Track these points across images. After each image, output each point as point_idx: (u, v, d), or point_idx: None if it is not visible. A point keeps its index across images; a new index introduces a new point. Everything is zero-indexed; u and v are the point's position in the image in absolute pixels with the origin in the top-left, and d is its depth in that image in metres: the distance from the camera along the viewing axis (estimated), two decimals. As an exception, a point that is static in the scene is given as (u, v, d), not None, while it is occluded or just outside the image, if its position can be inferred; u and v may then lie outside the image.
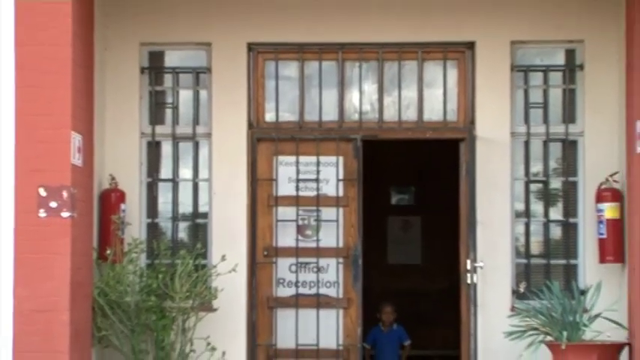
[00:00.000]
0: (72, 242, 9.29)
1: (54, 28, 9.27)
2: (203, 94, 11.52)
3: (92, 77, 10.16)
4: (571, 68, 11.39)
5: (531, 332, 10.14)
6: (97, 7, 10.33)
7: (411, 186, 17.33)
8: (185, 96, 11.60)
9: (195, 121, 11.51)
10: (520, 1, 11.18)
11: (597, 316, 10.05)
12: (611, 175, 10.77)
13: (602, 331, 10.02)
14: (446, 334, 12.74)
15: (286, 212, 11.41)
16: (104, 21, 10.80)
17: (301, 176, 11.40)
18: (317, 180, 11.40)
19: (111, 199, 10.93)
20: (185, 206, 11.56)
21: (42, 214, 9.20)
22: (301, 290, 11.38)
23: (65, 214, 9.22)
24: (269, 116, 11.50)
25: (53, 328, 9.16)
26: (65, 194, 9.21)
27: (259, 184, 11.34)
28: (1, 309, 9.20)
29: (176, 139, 11.53)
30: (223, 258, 10.89)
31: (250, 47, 11.38)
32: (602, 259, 10.83)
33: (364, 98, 11.56)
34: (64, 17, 9.27)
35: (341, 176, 11.36)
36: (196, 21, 11.31)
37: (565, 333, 9.88)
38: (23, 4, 9.23)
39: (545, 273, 11.26)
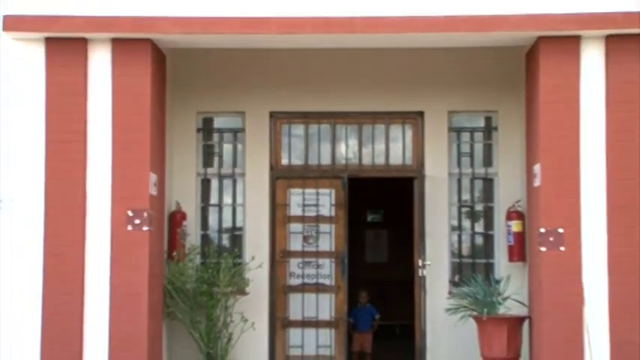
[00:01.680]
0: (149, 247, 9.31)
1: (139, 104, 9.33)
2: (239, 147, 11.44)
3: (164, 135, 10.16)
4: (489, 130, 11.34)
5: (462, 309, 10.08)
6: (168, 88, 10.33)
7: (381, 209, 17.26)
8: (227, 148, 11.52)
9: (234, 165, 11.44)
10: (454, 84, 11.11)
11: (507, 298, 9.99)
12: (516, 202, 10.71)
13: (510, 308, 9.97)
14: (404, 310, 12.61)
15: (296, 227, 11.32)
16: (172, 97, 10.74)
17: (306, 202, 11.32)
18: (316, 205, 11.31)
19: (176, 218, 10.87)
20: (227, 222, 11.45)
21: (129, 228, 9.22)
22: (306, 280, 11.29)
23: (145, 228, 9.25)
24: (284, 161, 11.43)
25: (137, 306, 9.19)
26: (145, 215, 9.24)
27: (277, 207, 11.28)
28: (102, 293, 9.22)
29: (221, 177, 11.45)
30: (253, 258, 10.87)
31: (271, 115, 11.32)
32: (510, 259, 10.80)
33: (349, 150, 11.48)
34: (145, 96, 9.34)
35: (333, 202, 11.29)
36: (234, 97, 11.24)
37: (485, 309, 9.85)
38: (118, 87, 9.30)
39: (471, 268, 11.21)
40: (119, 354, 9.11)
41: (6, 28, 9.10)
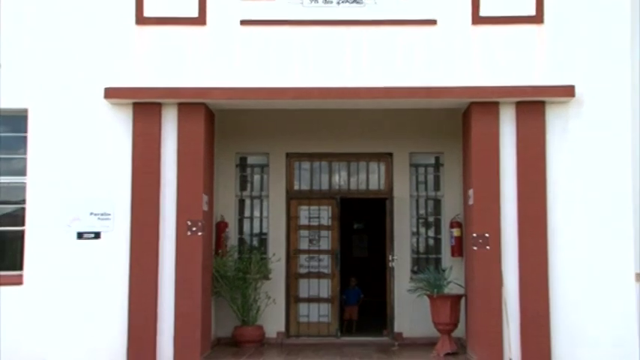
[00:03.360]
0: (202, 247, 9.33)
1: (195, 147, 9.36)
2: (265, 177, 11.50)
3: (212, 170, 10.22)
4: (438, 165, 11.40)
5: (419, 289, 10.12)
6: (216, 136, 10.42)
7: (363, 220, 16.98)
8: (256, 178, 11.55)
9: (261, 189, 11.50)
10: (413, 134, 11.16)
11: (450, 282, 10.05)
12: (457, 215, 10.75)
13: (452, 288, 10.03)
14: (379, 289, 12.58)
15: (304, 232, 11.35)
16: (219, 142, 10.81)
17: (311, 216, 11.35)
18: (318, 217, 11.35)
19: (221, 226, 10.87)
20: (256, 229, 11.46)
21: (189, 233, 9.26)
22: (311, 270, 11.32)
23: (199, 234, 9.28)
24: (296, 187, 11.48)
25: (193, 287, 9.18)
26: (199, 224, 9.28)
27: (291, 219, 11.33)
28: (170, 278, 9.25)
29: (252, 198, 11.50)
30: (274, 254, 10.98)
31: (287, 155, 11.39)
32: (453, 255, 10.80)
33: (341, 179, 11.55)
34: (200, 142, 9.39)
35: (330, 216, 11.35)
36: (262, 143, 11.30)
37: (435, 290, 9.89)
38: (181, 136, 9.33)
39: (426, 261, 11.25)
40: (181, 320, 9.15)
41: (106, 97, 9.25)
